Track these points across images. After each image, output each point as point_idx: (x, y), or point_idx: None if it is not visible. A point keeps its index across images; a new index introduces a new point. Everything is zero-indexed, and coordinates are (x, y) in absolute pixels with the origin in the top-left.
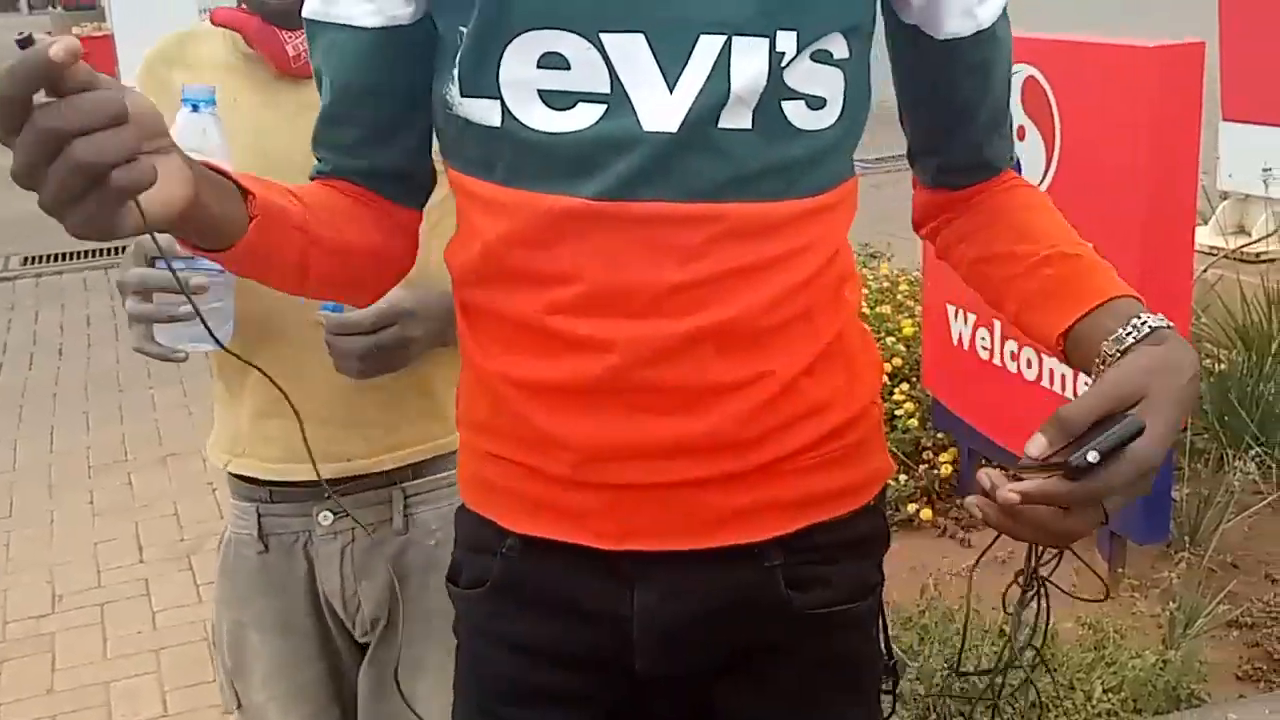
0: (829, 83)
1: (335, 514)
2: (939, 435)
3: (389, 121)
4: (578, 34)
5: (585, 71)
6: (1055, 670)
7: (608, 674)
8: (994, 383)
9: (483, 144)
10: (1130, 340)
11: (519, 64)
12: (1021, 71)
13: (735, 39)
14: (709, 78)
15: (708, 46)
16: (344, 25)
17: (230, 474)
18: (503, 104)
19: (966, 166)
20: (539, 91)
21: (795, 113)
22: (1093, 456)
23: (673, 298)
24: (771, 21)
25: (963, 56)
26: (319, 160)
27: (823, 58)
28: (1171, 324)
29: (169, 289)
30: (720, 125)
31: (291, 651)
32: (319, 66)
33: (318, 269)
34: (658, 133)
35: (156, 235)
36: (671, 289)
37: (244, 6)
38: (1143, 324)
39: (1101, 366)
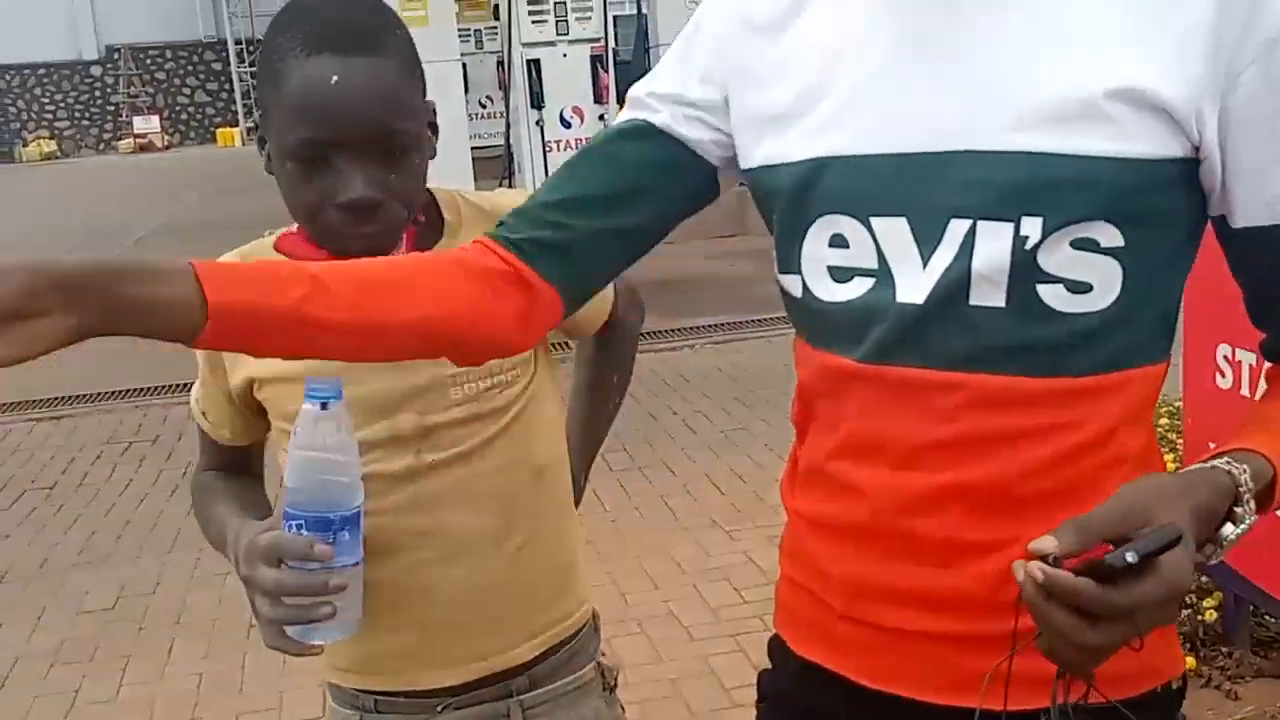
0: (1096, 270)
1: None
2: (1203, 579)
3: (601, 200)
4: (854, 218)
5: (860, 250)
6: None
7: None
8: (1259, 528)
9: (794, 310)
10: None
11: (815, 244)
12: None
13: (981, 223)
14: (955, 257)
15: (956, 229)
16: (649, 124)
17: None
18: (802, 279)
19: None
20: (828, 268)
21: (1052, 296)
22: (1131, 556)
23: (924, 454)
24: (1016, 208)
25: (1267, 245)
26: (500, 224)
27: (1086, 245)
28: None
29: (310, 591)
30: (971, 301)
31: None
32: (606, 137)
33: (333, 350)
34: (907, 304)
35: (291, 539)
36: (923, 446)
37: (307, 232)
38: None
39: None
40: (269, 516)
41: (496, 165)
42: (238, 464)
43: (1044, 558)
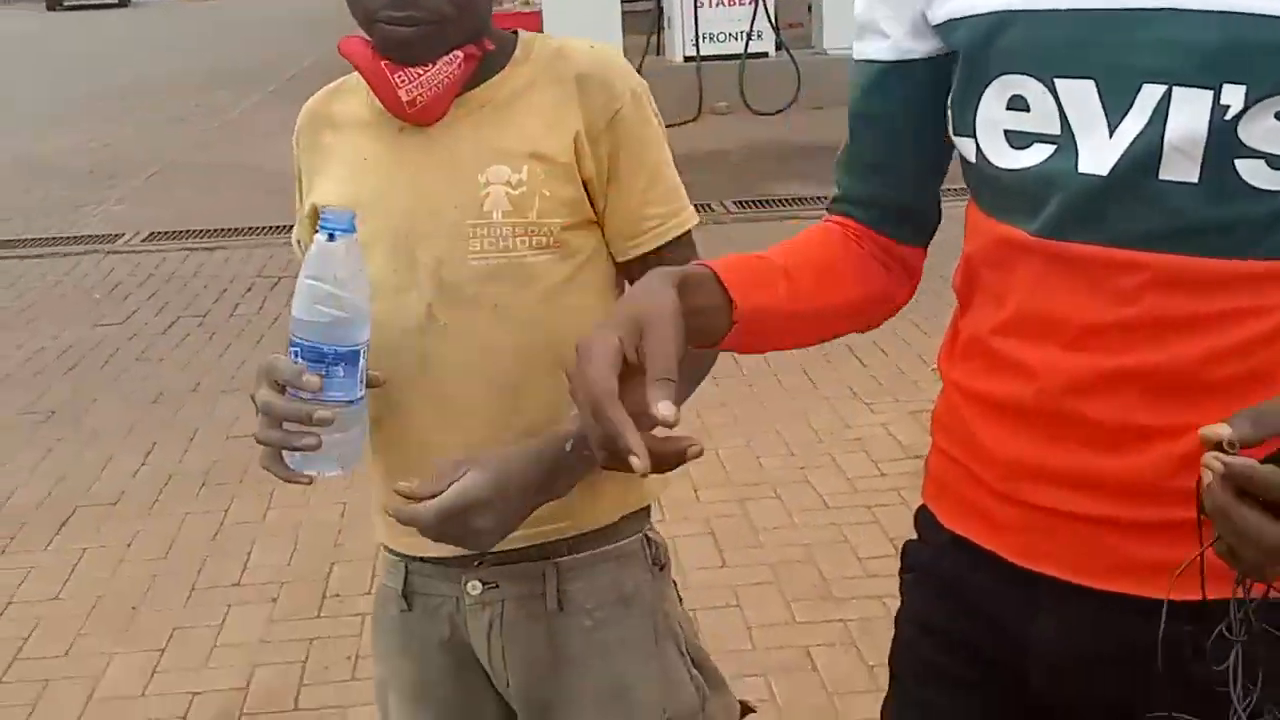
0: None
1: (485, 584)
2: None
3: (889, 150)
4: (1036, 78)
5: (1040, 113)
6: None
7: (1005, 680)
8: None
9: (967, 174)
10: None
11: (992, 106)
12: None
13: (1176, 89)
14: (1146, 126)
15: (1149, 95)
16: (869, 61)
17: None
18: (976, 142)
19: None
20: (1004, 131)
21: (1252, 171)
22: None
23: (1099, 335)
24: (1217, 74)
25: None
26: (835, 185)
27: None
28: None
29: (294, 418)
30: (1161, 176)
31: None
32: (851, 94)
33: (799, 339)
34: (1089, 175)
35: (285, 364)
36: (1098, 327)
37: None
38: None
39: None
40: None
41: (645, 20)
42: None
43: (1218, 446)
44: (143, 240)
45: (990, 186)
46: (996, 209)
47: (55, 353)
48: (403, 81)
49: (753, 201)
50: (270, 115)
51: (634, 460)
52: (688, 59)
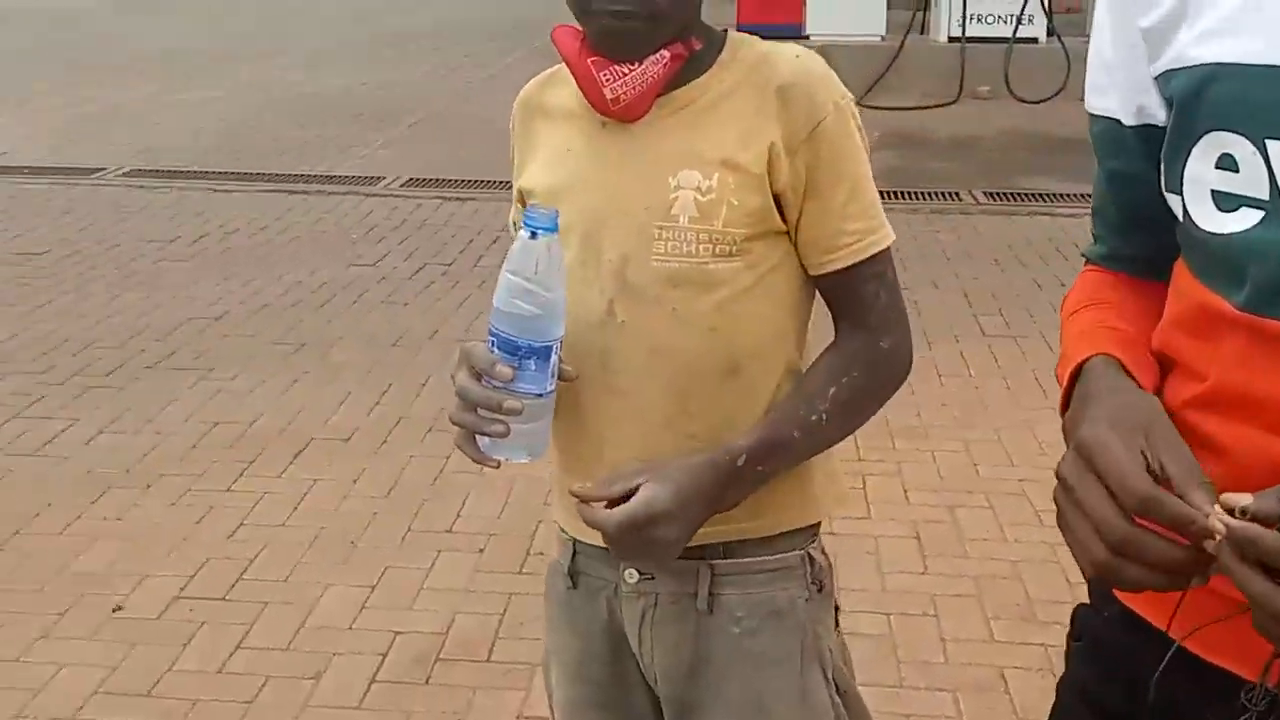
0: None
1: (641, 574)
2: None
3: (1143, 207)
4: (1247, 137)
5: (1250, 175)
6: None
7: None
8: None
9: (1179, 233)
10: None
11: (1200, 164)
12: None
13: None
14: None
15: None
16: (1108, 118)
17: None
18: (1183, 200)
19: None
20: (1212, 191)
21: None
22: None
23: None
24: None
25: None
26: (1094, 238)
27: None
28: None
29: (485, 405)
30: None
31: (579, 699)
32: (1094, 147)
33: None
34: None
35: (482, 352)
36: None
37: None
38: None
39: None
40: None
41: None
42: None
43: (1231, 512)
44: (401, 186)
45: (1198, 250)
46: (1203, 274)
47: (311, 288)
48: (608, 79)
49: (1004, 194)
50: (531, 72)
51: (1210, 543)
52: (952, 39)
